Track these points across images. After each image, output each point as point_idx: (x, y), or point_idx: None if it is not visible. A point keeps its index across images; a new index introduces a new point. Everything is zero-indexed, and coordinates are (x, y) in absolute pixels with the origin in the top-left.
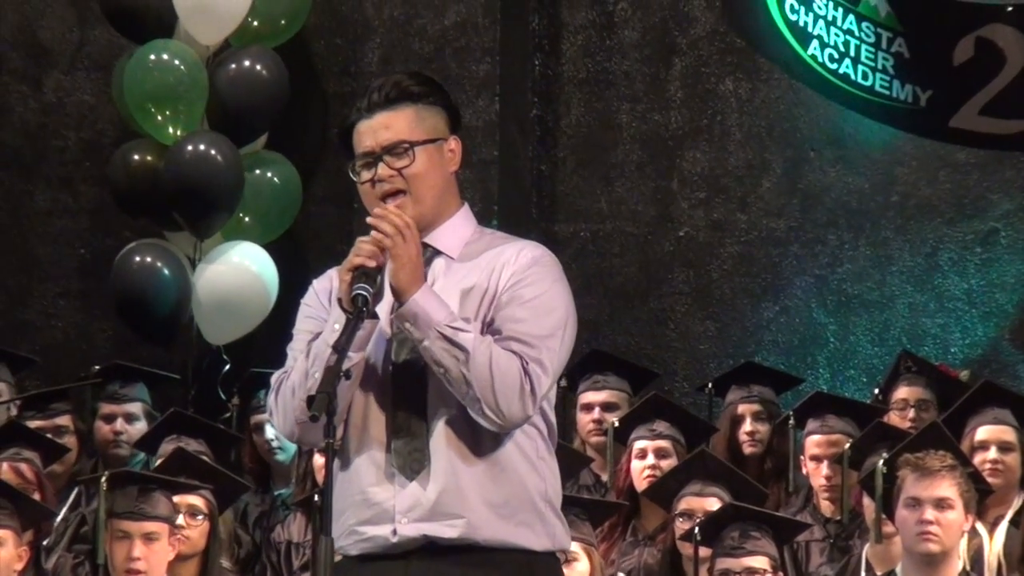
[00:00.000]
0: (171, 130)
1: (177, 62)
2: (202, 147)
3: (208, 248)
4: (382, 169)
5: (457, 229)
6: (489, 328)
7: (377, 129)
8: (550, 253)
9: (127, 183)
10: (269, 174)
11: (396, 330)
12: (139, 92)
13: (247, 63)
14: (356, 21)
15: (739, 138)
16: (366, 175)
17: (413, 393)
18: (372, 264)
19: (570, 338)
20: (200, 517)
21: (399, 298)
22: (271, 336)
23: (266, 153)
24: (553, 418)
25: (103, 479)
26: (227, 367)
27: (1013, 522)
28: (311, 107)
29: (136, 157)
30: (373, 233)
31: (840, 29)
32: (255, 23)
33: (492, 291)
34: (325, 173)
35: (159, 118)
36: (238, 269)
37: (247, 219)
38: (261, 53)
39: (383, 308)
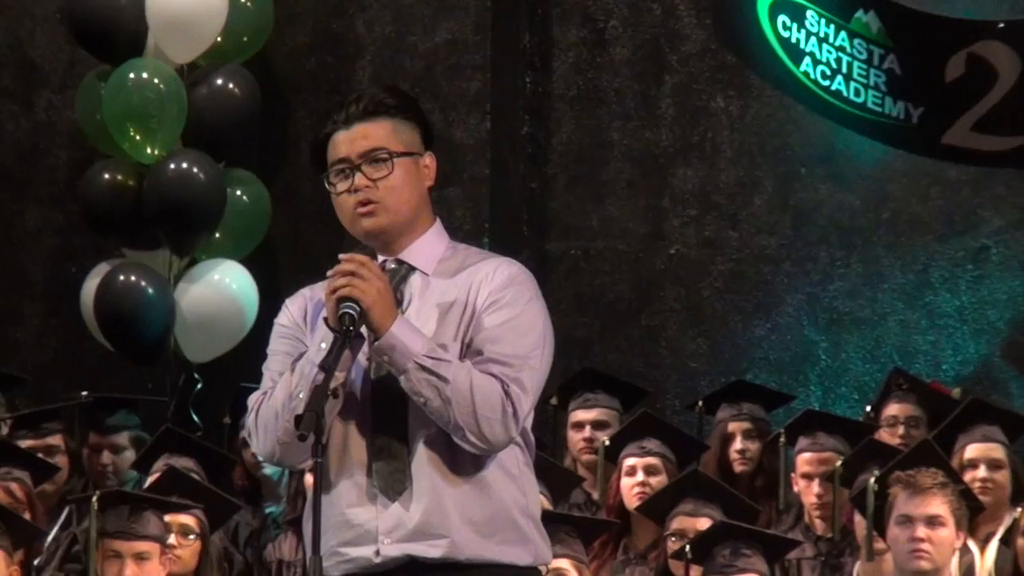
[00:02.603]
0: (149, 149)
1: (156, 80)
2: (184, 165)
3: (175, 268)
4: (359, 179)
5: (431, 245)
6: (468, 348)
7: (355, 138)
8: (526, 270)
9: (99, 203)
10: (238, 192)
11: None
12: (118, 111)
13: (219, 81)
14: (347, 39)
15: (730, 155)
16: (342, 185)
17: (393, 414)
18: None
19: (549, 355)
20: (192, 536)
21: (375, 333)
22: (253, 354)
23: (236, 172)
24: (531, 432)
25: (94, 498)
26: (199, 386)
27: (1003, 540)
28: (298, 123)
29: (107, 176)
30: (330, 285)
31: (832, 46)
32: (219, 40)
33: (470, 310)
34: (315, 190)
35: (138, 137)
36: (218, 288)
37: (217, 236)
38: (234, 71)
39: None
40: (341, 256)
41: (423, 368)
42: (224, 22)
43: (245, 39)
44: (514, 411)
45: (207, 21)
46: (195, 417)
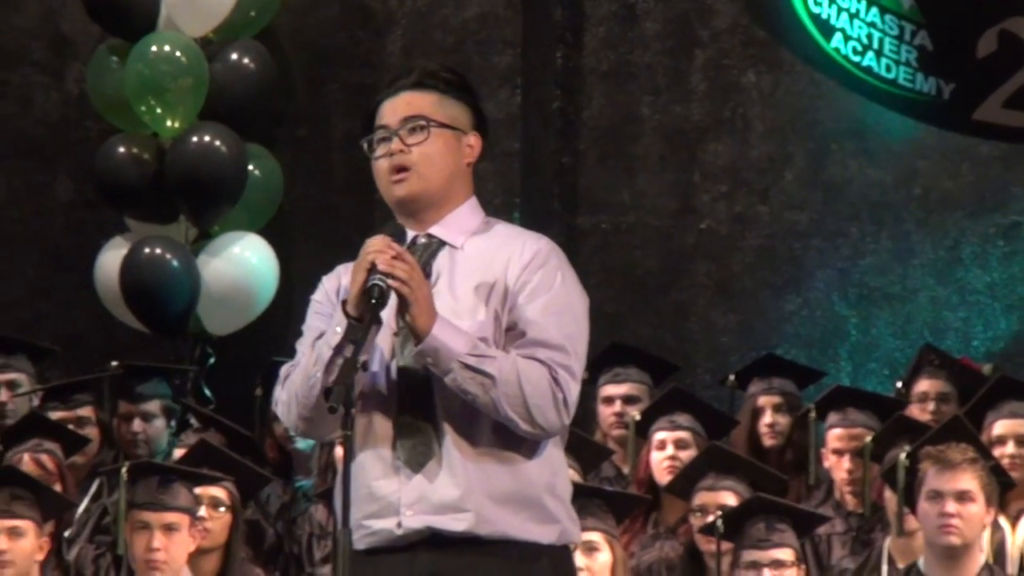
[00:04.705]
0: (169, 122)
1: (178, 53)
2: (207, 138)
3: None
4: (395, 143)
5: (463, 219)
6: (509, 332)
7: (399, 106)
8: (552, 244)
9: (115, 176)
10: (251, 166)
11: (400, 325)
12: (139, 83)
13: (235, 56)
14: (378, 13)
15: (761, 131)
16: (381, 150)
17: (419, 387)
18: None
19: (587, 330)
20: (222, 509)
21: (417, 337)
22: (272, 326)
23: (249, 146)
24: None
25: (124, 470)
26: (212, 360)
27: None
28: (328, 96)
29: (122, 150)
30: (365, 259)
31: (863, 22)
32: (229, 14)
33: (502, 288)
34: (345, 163)
35: (159, 110)
36: (239, 261)
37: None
38: (248, 46)
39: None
40: (373, 239)
41: (467, 367)
42: None
43: (252, 14)
44: (564, 397)
45: None
46: (207, 391)
